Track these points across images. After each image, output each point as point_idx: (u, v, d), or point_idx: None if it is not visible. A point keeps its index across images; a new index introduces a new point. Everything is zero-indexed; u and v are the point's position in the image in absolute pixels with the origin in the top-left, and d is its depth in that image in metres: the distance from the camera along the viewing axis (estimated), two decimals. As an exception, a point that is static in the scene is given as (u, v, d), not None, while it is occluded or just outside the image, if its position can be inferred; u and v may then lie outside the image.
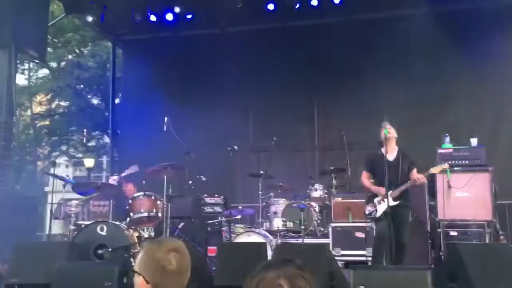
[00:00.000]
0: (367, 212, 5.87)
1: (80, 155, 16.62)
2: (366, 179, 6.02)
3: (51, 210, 6.59)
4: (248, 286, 1.47)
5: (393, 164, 5.58)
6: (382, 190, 5.61)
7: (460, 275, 4.22)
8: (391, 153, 5.73)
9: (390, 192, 5.54)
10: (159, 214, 6.37)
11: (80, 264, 4.82)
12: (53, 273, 4.73)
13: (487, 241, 6.35)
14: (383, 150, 5.80)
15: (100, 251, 5.52)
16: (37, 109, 16.79)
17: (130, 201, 6.29)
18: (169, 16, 9.70)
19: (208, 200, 8.19)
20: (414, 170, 5.63)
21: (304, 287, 1.45)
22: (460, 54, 8.98)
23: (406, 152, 5.79)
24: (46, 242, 6.41)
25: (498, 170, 7.40)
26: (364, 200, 6.35)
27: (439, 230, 6.70)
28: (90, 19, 9.58)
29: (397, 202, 5.52)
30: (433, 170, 5.55)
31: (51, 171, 6.56)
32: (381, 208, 5.65)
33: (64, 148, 16.61)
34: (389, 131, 5.75)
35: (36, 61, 13.05)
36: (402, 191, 5.52)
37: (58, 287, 4.63)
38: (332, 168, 8.24)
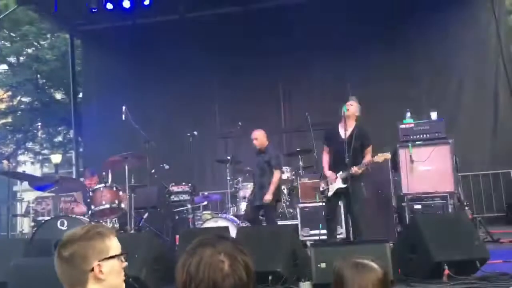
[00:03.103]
0: (321, 189, 5.93)
1: (46, 151, 16.22)
2: (325, 155, 6.03)
3: (7, 208, 6.38)
4: (185, 266, 1.43)
5: (346, 141, 5.55)
6: (332, 176, 5.73)
7: (419, 246, 4.26)
8: (347, 130, 5.69)
9: (340, 173, 5.61)
10: (122, 205, 6.26)
11: (37, 260, 4.68)
12: (10, 270, 4.59)
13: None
14: (340, 126, 5.77)
15: (60, 246, 5.36)
16: (-2, 106, 16.29)
17: (90, 194, 6.14)
18: (126, 3, 9.43)
19: (175, 188, 8.06)
20: (368, 149, 5.61)
21: (244, 261, 1.44)
22: (420, 29, 9.06)
23: (362, 129, 5.75)
24: (3, 239, 6.21)
25: (461, 142, 7.54)
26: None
27: (403, 204, 6.77)
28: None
29: (345, 185, 5.55)
30: (376, 158, 5.51)
31: (7, 169, 6.32)
32: (332, 188, 5.73)
33: (29, 145, 16.18)
34: (348, 108, 5.73)
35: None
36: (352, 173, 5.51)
37: (15, 285, 4.49)
38: (298, 149, 8.23)
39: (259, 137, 6.90)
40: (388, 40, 9.18)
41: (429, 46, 9.13)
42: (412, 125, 6.90)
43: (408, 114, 7.04)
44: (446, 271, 4.03)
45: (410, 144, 6.74)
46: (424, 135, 6.79)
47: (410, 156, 6.71)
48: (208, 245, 1.45)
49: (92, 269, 1.74)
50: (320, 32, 9.39)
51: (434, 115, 6.96)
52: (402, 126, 6.92)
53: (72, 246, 1.74)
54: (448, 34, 9.09)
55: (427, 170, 6.68)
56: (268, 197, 6.57)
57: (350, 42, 9.24)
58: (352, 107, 5.79)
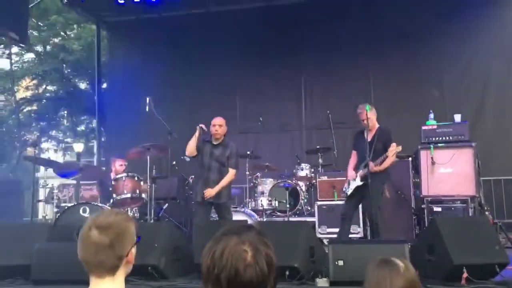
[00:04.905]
0: (343, 189, 5.96)
1: (69, 139, 16.53)
2: (352, 158, 6.07)
3: (32, 193, 6.53)
4: (210, 252, 1.47)
5: (369, 142, 5.58)
6: (352, 176, 5.77)
7: (438, 248, 4.24)
8: (370, 131, 5.73)
9: (360, 171, 5.63)
10: (143, 195, 6.36)
11: (60, 244, 4.80)
12: (33, 254, 4.72)
13: (470, 216, 6.36)
14: (366, 128, 5.80)
15: (82, 233, 5.47)
16: (25, 94, 16.63)
17: (113, 182, 6.25)
18: (153, -4, 9.56)
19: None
20: (390, 149, 5.58)
21: (266, 253, 1.47)
22: (444, 31, 8.95)
23: (384, 130, 5.76)
24: (27, 223, 6.37)
25: (484, 146, 7.44)
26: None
27: (423, 206, 6.72)
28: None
29: (362, 183, 5.57)
30: (388, 153, 5.48)
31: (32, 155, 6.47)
32: (352, 186, 5.76)
33: (52, 133, 16.50)
34: (364, 118, 5.74)
35: (20, 45, 12.89)
36: (372, 171, 5.50)
37: (37, 268, 4.62)
38: (318, 147, 8.23)
39: (223, 125, 5.99)
40: (413, 41, 9.09)
41: (454, 48, 9.02)
42: (435, 127, 6.85)
43: (431, 116, 6.98)
44: (465, 274, 4.01)
45: (431, 146, 6.69)
46: (447, 137, 6.72)
47: (432, 158, 6.65)
48: (233, 234, 1.48)
49: (127, 254, 1.78)
50: (344, 30, 9.37)
51: (458, 118, 6.89)
52: (425, 127, 6.87)
53: (113, 231, 1.75)
54: (473, 36, 8.95)
55: (448, 172, 6.62)
56: (213, 192, 5.78)
57: (374, 42, 9.20)
58: (361, 114, 5.79)
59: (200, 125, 5.95)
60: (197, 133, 5.94)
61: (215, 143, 6.01)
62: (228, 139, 6.14)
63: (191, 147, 5.97)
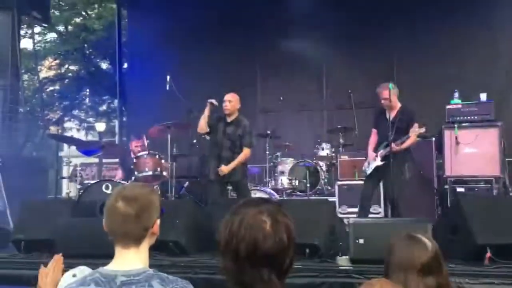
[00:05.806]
0: (363, 169, 5.93)
1: (91, 119, 16.77)
2: (372, 137, 6.01)
3: (56, 171, 6.65)
4: (228, 224, 1.46)
5: (391, 122, 5.51)
6: (372, 155, 5.73)
7: (461, 227, 4.18)
8: (392, 110, 5.64)
9: (381, 151, 5.55)
10: (164, 173, 6.42)
11: (84, 219, 4.89)
12: (58, 229, 4.83)
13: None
14: (387, 107, 5.71)
15: (105, 209, 5.56)
16: (48, 73, 16.84)
17: (134, 160, 6.31)
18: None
19: (215, 160, 8.16)
20: (412, 129, 5.49)
21: (286, 223, 1.46)
22: (469, 6, 8.66)
23: (407, 109, 5.67)
24: (52, 200, 6.51)
25: (510, 126, 7.25)
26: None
27: (446, 186, 6.63)
28: None
29: (382, 162, 5.54)
30: (411, 132, 5.42)
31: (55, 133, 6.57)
32: (372, 166, 5.72)
33: (75, 112, 16.75)
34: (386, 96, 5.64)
35: (43, 24, 13.01)
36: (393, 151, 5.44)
37: (62, 242, 4.71)
38: (339, 127, 8.16)
39: (234, 100, 5.89)
40: (436, 19, 8.85)
41: (480, 27, 8.75)
42: (460, 106, 6.69)
43: (456, 95, 6.82)
44: (488, 254, 3.95)
45: (456, 126, 6.55)
46: (472, 117, 6.58)
47: (456, 137, 6.52)
48: (251, 205, 1.47)
49: (153, 225, 1.81)
50: (367, 8, 9.18)
51: (483, 97, 6.72)
52: (449, 106, 6.72)
53: (139, 203, 1.77)
54: (498, 11, 8.65)
55: (473, 152, 6.49)
56: (226, 170, 5.74)
57: (397, 21, 8.99)
58: (383, 92, 5.70)
59: (209, 100, 5.86)
60: (206, 110, 5.88)
61: (228, 120, 5.94)
62: (242, 116, 6.01)
63: (201, 124, 5.95)
